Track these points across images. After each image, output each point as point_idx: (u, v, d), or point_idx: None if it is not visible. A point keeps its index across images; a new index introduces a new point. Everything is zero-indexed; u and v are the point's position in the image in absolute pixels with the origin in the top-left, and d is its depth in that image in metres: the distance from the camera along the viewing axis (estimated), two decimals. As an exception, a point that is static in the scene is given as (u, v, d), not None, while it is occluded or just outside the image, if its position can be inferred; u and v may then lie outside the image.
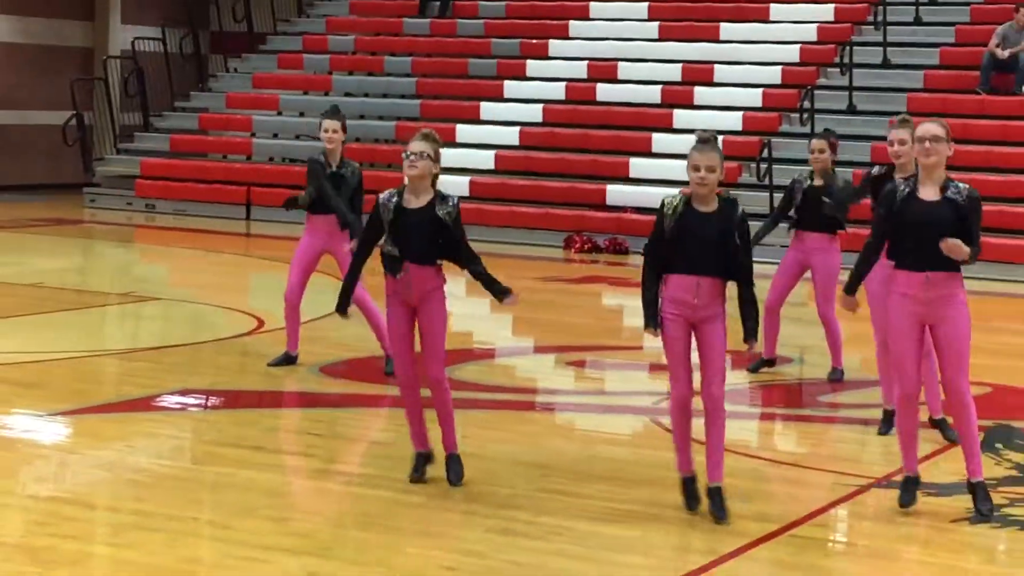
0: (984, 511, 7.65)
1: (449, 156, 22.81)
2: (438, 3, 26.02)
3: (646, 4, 24.58)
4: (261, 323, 13.33)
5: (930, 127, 7.62)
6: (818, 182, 11.05)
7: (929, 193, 7.62)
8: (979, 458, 7.76)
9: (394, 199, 7.90)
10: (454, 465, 8.07)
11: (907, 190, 7.67)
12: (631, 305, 16.34)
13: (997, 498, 7.92)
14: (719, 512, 7.46)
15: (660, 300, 7.49)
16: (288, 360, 11.19)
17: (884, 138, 21.34)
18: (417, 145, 7.90)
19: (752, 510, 7.66)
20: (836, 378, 11.26)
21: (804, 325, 12.11)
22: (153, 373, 10.98)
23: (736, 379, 11.19)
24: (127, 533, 7.05)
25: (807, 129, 20.51)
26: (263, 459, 8.49)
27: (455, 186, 21.64)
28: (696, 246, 7.38)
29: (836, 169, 11.21)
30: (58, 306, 14.15)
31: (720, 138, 7.80)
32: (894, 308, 7.72)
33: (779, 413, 10.64)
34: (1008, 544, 7.38)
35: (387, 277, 7.95)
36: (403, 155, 7.93)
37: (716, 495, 7.52)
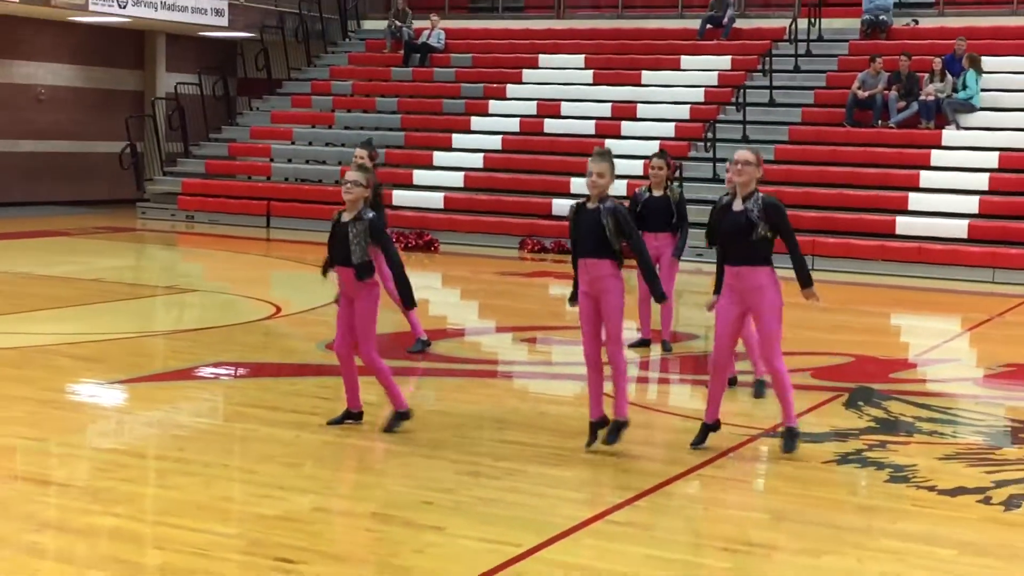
0: (786, 449, 7.66)
1: (428, 177, 22.91)
2: (419, 55, 25.95)
3: (583, 56, 24.59)
4: (279, 309, 13.27)
5: (743, 153, 7.59)
6: (656, 192, 10.99)
7: (738, 204, 7.58)
8: (792, 411, 7.74)
9: (335, 215, 7.89)
10: (391, 417, 8.04)
11: (724, 202, 7.63)
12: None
13: (859, 444, 8.00)
14: (610, 440, 7.55)
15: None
16: (423, 345, 10.78)
17: (770, 161, 21.46)
18: (351, 175, 7.80)
19: (667, 455, 7.69)
20: (668, 349, 11.17)
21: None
22: (192, 349, 10.94)
23: (656, 353, 11.25)
24: (171, 476, 7.03)
25: (710, 154, 20.58)
26: (281, 417, 8.46)
27: (433, 201, 21.67)
28: (582, 234, 7.53)
29: (676, 182, 11.04)
30: (115, 296, 14.05)
31: (613, 150, 7.69)
32: (722, 295, 7.70)
33: (687, 379, 10.67)
34: (867, 480, 7.42)
35: None
36: (340, 181, 7.80)
37: (614, 426, 7.58)
